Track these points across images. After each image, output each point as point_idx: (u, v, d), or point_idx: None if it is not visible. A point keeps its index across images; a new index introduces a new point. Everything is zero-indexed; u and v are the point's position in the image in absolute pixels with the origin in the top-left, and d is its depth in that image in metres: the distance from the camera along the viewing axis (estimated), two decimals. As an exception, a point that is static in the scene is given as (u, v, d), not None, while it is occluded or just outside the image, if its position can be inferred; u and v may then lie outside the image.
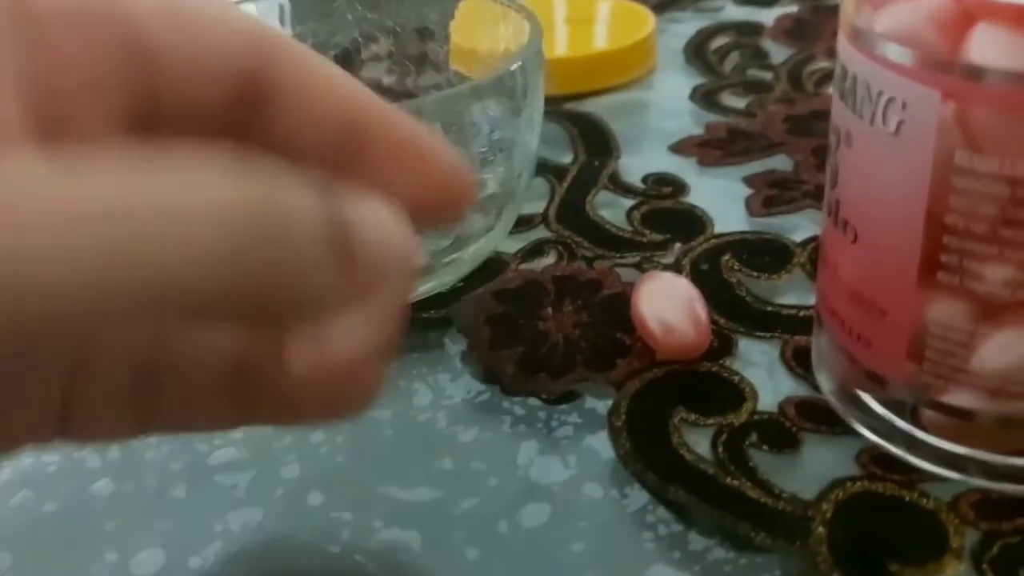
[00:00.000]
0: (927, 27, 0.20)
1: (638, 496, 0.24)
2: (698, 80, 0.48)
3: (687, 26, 0.53)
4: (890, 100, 0.21)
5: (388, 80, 0.38)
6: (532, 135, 0.31)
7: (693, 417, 0.26)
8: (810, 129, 0.41)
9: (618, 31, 0.50)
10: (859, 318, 0.24)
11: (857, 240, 0.23)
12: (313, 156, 0.17)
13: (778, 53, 0.50)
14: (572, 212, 0.36)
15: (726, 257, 0.33)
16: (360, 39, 0.38)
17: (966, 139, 0.20)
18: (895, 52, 0.21)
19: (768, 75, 0.48)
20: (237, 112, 0.16)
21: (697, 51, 0.51)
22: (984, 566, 0.22)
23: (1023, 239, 0.20)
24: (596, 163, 0.40)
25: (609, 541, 0.23)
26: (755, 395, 0.27)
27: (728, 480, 0.24)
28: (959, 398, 0.23)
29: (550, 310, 0.31)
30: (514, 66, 0.29)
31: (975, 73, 0.19)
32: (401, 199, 0.16)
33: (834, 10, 0.45)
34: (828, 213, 0.25)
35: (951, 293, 0.22)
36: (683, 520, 0.24)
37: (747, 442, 0.26)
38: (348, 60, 0.38)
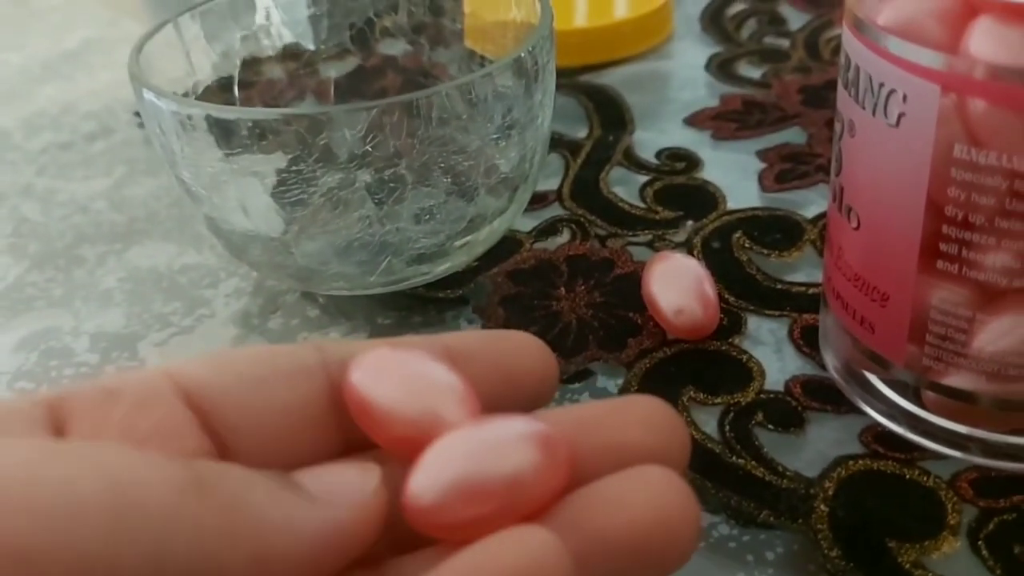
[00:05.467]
0: (928, 20, 0.20)
1: (647, 474, 0.25)
2: (714, 49, 0.47)
3: (704, -8, 0.53)
4: (891, 92, 0.21)
5: (402, 57, 0.39)
6: (544, 115, 0.32)
7: (701, 396, 0.27)
8: (825, 100, 0.41)
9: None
10: (862, 302, 0.24)
11: (860, 227, 0.24)
12: None
13: (796, 19, 0.50)
14: (586, 189, 0.37)
15: (737, 235, 0.34)
16: (375, 17, 0.39)
17: (966, 133, 0.20)
18: (896, 45, 0.21)
19: (785, 43, 0.47)
20: None
21: (714, 18, 0.50)
22: (980, 542, 0.23)
23: (1020, 230, 0.21)
24: (610, 138, 0.40)
25: (618, 519, 0.24)
26: (762, 374, 0.28)
27: (734, 459, 0.25)
28: (959, 380, 0.23)
29: (563, 290, 0.32)
30: (524, 51, 0.29)
31: (975, 68, 0.20)
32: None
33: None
34: (833, 198, 0.25)
35: (951, 280, 0.22)
36: (690, 498, 0.24)
37: (753, 421, 0.26)
38: (363, 37, 0.39)
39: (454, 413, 0.16)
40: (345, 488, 0.15)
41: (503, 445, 0.15)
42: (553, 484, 0.16)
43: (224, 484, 0.14)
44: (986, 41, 0.20)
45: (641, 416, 0.17)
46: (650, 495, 0.15)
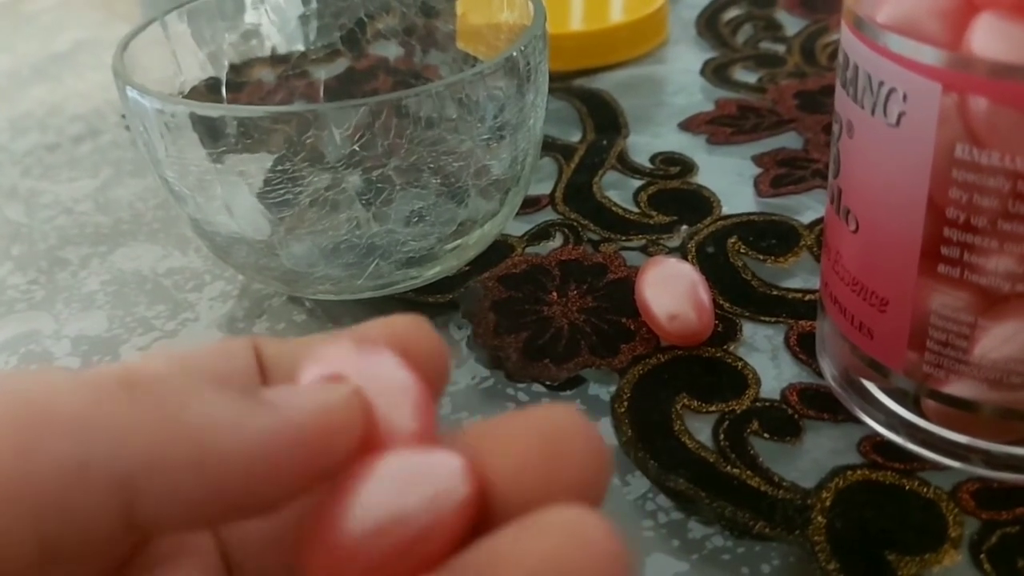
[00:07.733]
0: (929, 18, 0.20)
1: (639, 483, 0.25)
2: (710, 54, 0.47)
3: (700, -3, 0.53)
4: (891, 91, 0.21)
5: (394, 59, 0.38)
6: (537, 118, 0.31)
7: (695, 404, 0.27)
8: (821, 105, 0.41)
9: (631, 3, 0.49)
10: (861, 307, 0.24)
11: (859, 230, 0.23)
12: None
13: (792, 25, 0.49)
14: (579, 193, 0.36)
15: (732, 240, 0.33)
16: (366, 18, 0.38)
17: (967, 132, 0.20)
18: (897, 43, 0.20)
19: (781, 48, 0.47)
20: None
21: (709, 23, 0.50)
22: (982, 556, 0.22)
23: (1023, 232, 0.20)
24: (604, 142, 0.40)
25: (609, 529, 0.23)
26: (758, 381, 0.27)
27: (729, 468, 0.25)
28: (960, 388, 0.23)
29: (555, 295, 0.31)
30: (516, 50, 0.29)
31: (977, 66, 0.19)
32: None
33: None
34: (831, 201, 0.25)
35: (952, 285, 0.21)
36: (683, 508, 0.24)
37: (748, 430, 0.26)
38: (353, 38, 0.38)
39: (405, 425, 0.15)
40: (308, 396, 0.15)
41: (414, 484, 0.14)
42: (459, 525, 0.14)
43: (161, 387, 0.14)
44: (988, 38, 0.19)
45: (546, 433, 0.14)
46: (558, 554, 0.12)
